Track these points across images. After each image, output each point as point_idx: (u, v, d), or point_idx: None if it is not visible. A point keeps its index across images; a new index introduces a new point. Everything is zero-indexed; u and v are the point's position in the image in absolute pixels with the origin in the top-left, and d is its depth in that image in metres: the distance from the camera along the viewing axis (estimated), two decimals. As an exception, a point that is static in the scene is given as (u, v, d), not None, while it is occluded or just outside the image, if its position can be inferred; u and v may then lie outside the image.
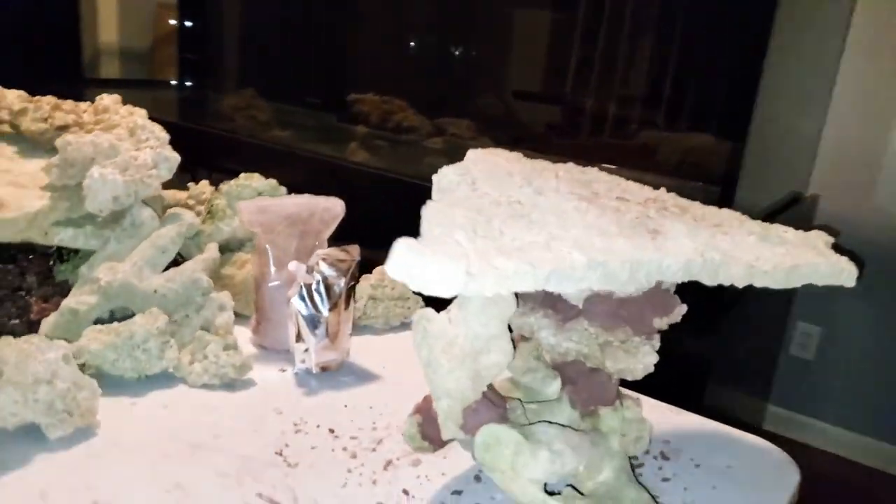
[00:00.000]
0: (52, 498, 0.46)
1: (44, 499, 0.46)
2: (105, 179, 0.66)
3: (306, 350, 0.65)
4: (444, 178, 0.49)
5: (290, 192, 0.82)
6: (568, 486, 0.44)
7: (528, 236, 0.39)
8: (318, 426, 0.57)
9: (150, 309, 0.63)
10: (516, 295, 0.44)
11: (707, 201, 0.54)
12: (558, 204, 0.46)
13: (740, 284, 0.44)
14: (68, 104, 0.80)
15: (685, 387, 0.88)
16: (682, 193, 0.56)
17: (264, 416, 0.58)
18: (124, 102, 0.82)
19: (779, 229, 0.51)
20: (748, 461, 0.57)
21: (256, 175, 0.80)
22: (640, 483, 0.47)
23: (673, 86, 1.25)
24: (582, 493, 0.44)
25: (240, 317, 0.72)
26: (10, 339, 0.52)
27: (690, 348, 1.08)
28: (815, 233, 0.52)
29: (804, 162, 1.70)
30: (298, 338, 0.65)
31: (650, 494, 0.46)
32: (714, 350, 1.30)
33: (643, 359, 0.47)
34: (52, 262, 0.73)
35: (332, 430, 0.57)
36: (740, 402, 1.74)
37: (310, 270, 0.65)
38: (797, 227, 0.53)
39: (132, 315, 0.64)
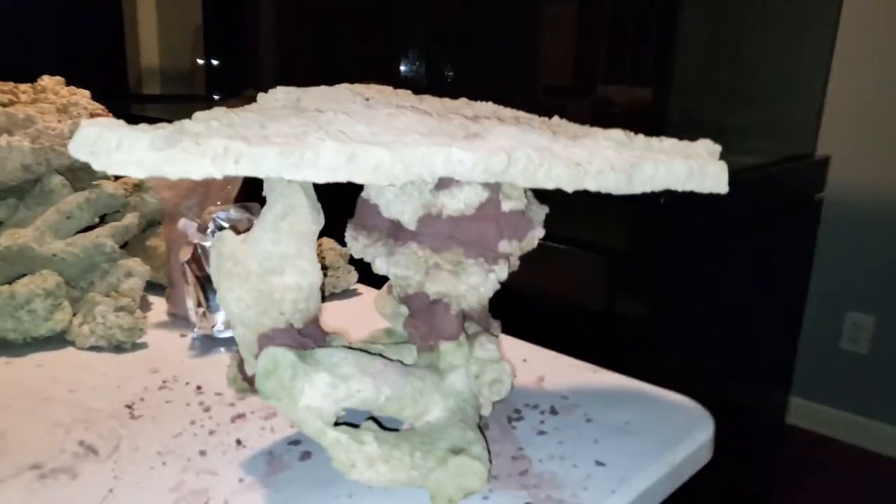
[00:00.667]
0: None
1: None
2: (12, 147, 0.66)
3: (203, 313, 0.62)
4: (269, 96, 0.45)
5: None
6: (370, 418, 0.38)
7: (287, 129, 0.35)
8: (186, 383, 0.54)
9: (41, 271, 0.62)
10: (363, 225, 0.40)
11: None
12: (373, 113, 0.41)
13: (568, 187, 0.38)
14: (7, 85, 0.81)
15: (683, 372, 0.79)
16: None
17: (136, 375, 0.56)
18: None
19: (656, 140, 0.45)
20: (653, 416, 0.49)
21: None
22: (476, 427, 0.41)
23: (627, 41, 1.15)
24: (393, 430, 0.38)
25: (161, 288, 0.70)
26: None
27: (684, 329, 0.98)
28: (701, 141, 0.45)
29: (808, 121, 1.51)
30: (199, 302, 0.63)
31: (480, 436, 0.40)
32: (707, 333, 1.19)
33: (467, 279, 0.41)
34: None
35: (199, 387, 0.53)
36: (761, 393, 1.58)
37: (202, 229, 0.62)
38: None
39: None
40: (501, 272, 0.43)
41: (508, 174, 0.37)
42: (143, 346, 0.61)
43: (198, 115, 0.36)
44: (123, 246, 0.72)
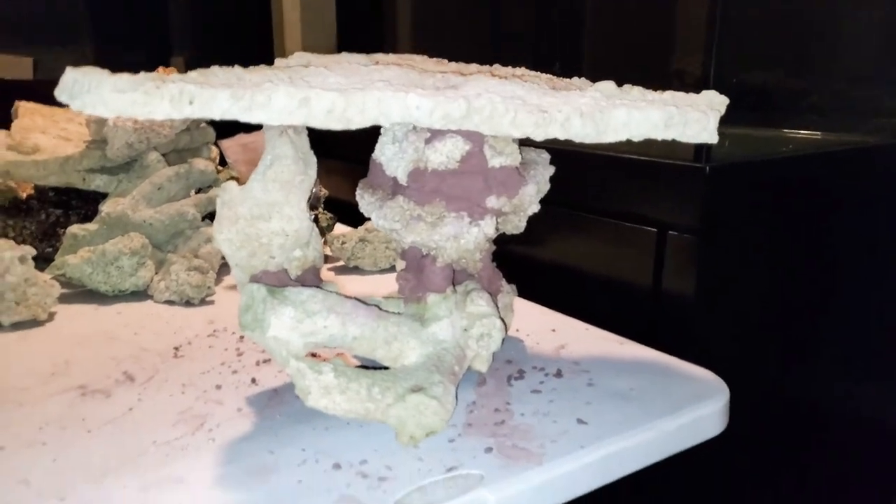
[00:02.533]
0: (4, 367, 0.53)
1: (-38, 361, 0.53)
2: (118, 127, 0.76)
3: (263, 274, 0.68)
4: (285, 60, 0.49)
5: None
6: (339, 355, 0.40)
7: (256, 79, 0.38)
8: (233, 333, 0.59)
9: (129, 233, 0.70)
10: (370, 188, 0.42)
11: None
12: (362, 70, 0.43)
13: (534, 135, 0.38)
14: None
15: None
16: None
17: (193, 324, 0.62)
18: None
19: (652, 93, 0.43)
20: (659, 385, 0.47)
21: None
22: (452, 375, 0.42)
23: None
24: (365, 368, 0.40)
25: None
26: (-14, 242, 0.62)
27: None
28: (704, 93, 0.43)
29: None
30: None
31: (453, 389, 0.41)
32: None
33: (441, 230, 0.42)
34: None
35: (242, 337, 0.58)
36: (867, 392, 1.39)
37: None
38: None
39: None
40: (487, 227, 0.44)
41: (471, 121, 0.38)
42: (210, 302, 0.68)
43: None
44: (210, 216, 0.80)
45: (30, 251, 0.63)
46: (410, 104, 0.37)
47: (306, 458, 0.39)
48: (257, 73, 0.40)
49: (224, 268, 0.77)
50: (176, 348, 0.56)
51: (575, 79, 0.51)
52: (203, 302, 0.68)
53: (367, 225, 0.78)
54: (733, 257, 0.71)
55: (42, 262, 0.71)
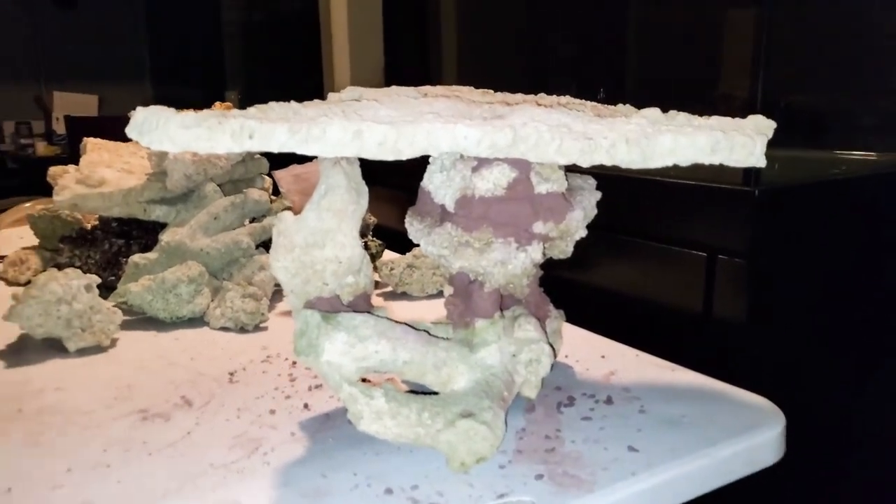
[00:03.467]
0: (70, 391, 0.56)
1: (61, 391, 0.56)
2: (177, 160, 0.79)
3: (314, 301, 0.69)
4: (338, 94, 0.51)
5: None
6: (388, 380, 0.41)
7: (311, 113, 0.39)
8: (286, 359, 0.61)
9: (187, 262, 0.73)
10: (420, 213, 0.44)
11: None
12: (412, 102, 0.45)
13: (581, 162, 0.38)
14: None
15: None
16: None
17: (248, 350, 0.63)
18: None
19: (699, 118, 0.43)
20: (712, 412, 0.47)
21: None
22: (501, 401, 0.42)
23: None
24: (417, 393, 0.41)
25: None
26: (53, 270, 0.65)
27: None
28: (751, 117, 0.43)
29: None
30: (312, 291, 0.70)
31: (502, 415, 0.41)
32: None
33: (489, 255, 0.42)
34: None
35: (295, 363, 0.60)
36: None
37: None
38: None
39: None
40: (535, 252, 0.44)
41: (517, 149, 0.38)
42: (264, 329, 0.70)
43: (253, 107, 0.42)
44: (264, 245, 0.82)
45: (94, 280, 0.66)
46: (458, 135, 0.38)
47: (358, 482, 0.40)
48: (312, 107, 0.42)
49: (277, 295, 0.79)
50: (231, 373, 0.58)
51: (620, 105, 0.51)
52: (257, 328, 0.70)
53: (415, 251, 0.80)
54: (784, 281, 0.70)
55: (105, 290, 0.74)
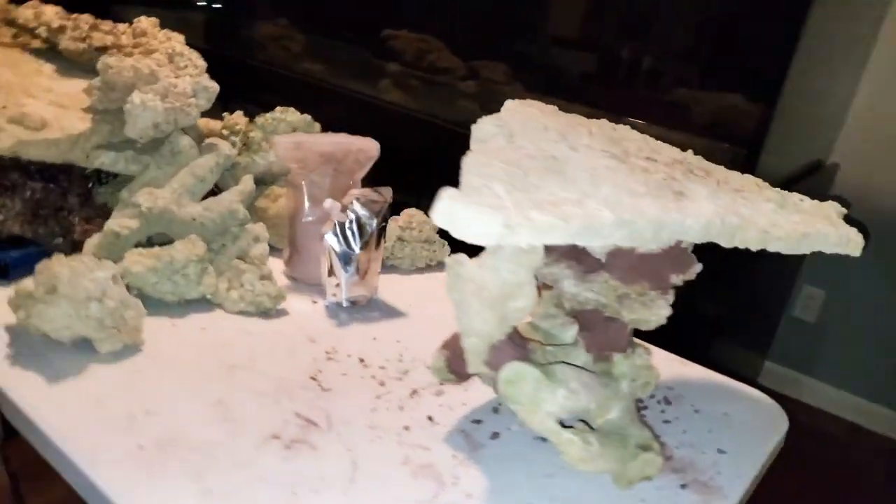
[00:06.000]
0: (109, 405, 0.50)
1: (101, 405, 0.50)
2: (146, 106, 0.68)
3: (337, 284, 0.69)
4: (482, 129, 0.51)
5: (322, 128, 0.85)
6: (580, 420, 0.48)
7: (561, 192, 0.42)
8: (348, 356, 0.61)
9: (190, 236, 0.66)
10: (545, 246, 0.47)
11: (732, 163, 0.57)
12: (590, 161, 0.48)
13: (754, 248, 0.47)
14: (107, 24, 0.81)
15: (690, 339, 0.91)
16: (708, 153, 0.59)
17: (298, 343, 0.62)
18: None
19: (795, 198, 0.54)
20: (743, 409, 0.61)
21: (291, 109, 0.82)
22: (643, 423, 0.51)
23: (710, 43, 1.24)
24: (592, 428, 0.48)
25: (272, 249, 0.75)
26: (61, 257, 0.56)
27: (700, 304, 1.11)
28: (829, 203, 0.55)
29: (830, 130, 1.69)
30: (330, 272, 0.69)
31: (653, 433, 0.50)
32: (721, 307, 1.34)
33: (657, 311, 0.50)
34: (91, 185, 0.76)
35: (361, 360, 0.61)
36: (741, 357, 1.79)
37: (343, 209, 0.68)
38: (814, 195, 0.55)
39: (170, 240, 0.67)
40: (670, 300, 0.52)
41: (717, 236, 0.46)
42: (285, 312, 0.68)
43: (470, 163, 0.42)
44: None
45: (116, 269, 0.58)
46: (687, 225, 0.44)
47: (552, 505, 0.46)
48: (528, 171, 0.44)
49: (261, 263, 0.75)
50: (313, 378, 0.57)
51: (690, 156, 0.60)
52: (278, 312, 0.67)
53: (401, 222, 0.81)
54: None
55: (35, 247, 0.64)
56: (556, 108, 0.63)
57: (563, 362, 0.48)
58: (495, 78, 1.46)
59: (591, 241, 0.40)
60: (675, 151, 0.59)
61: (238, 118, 0.85)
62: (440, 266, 0.82)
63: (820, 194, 0.56)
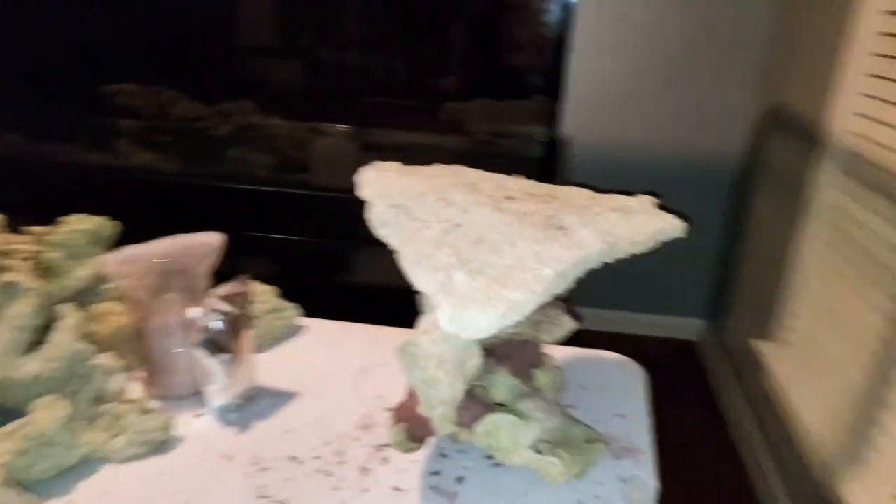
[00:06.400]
0: None
1: None
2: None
3: (220, 389, 0.65)
4: (377, 214, 0.54)
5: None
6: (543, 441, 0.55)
7: (501, 261, 0.47)
8: (276, 459, 0.60)
9: (43, 398, 0.57)
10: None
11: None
12: (485, 219, 0.54)
13: (625, 256, 0.58)
14: None
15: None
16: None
17: (217, 467, 0.59)
18: None
19: (620, 199, 0.66)
20: (613, 372, 0.74)
21: (84, 217, 0.73)
22: (573, 418, 0.60)
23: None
24: (548, 441, 0.55)
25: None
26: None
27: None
28: (644, 197, 0.68)
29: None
30: (207, 378, 0.65)
31: (587, 426, 0.59)
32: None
33: (565, 327, 0.58)
34: None
35: (293, 458, 0.60)
36: None
37: (207, 312, 0.64)
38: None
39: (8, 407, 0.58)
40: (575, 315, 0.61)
41: (603, 259, 0.55)
42: (178, 438, 0.62)
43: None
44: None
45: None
46: (593, 257, 0.52)
47: (543, 520, 0.53)
48: (459, 239, 0.48)
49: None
50: (262, 497, 0.55)
51: (525, 181, 0.69)
52: (171, 442, 0.62)
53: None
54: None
55: None
56: (399, 164, 0.66)
57: (527, 397, 0.54)
58: (249, 116, 1.40)
59: (546, 297, 0.46)
60: (511, 181, 0.67)
61: (11, 238, 0.73)
62: (297, 329, 0.81)
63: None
